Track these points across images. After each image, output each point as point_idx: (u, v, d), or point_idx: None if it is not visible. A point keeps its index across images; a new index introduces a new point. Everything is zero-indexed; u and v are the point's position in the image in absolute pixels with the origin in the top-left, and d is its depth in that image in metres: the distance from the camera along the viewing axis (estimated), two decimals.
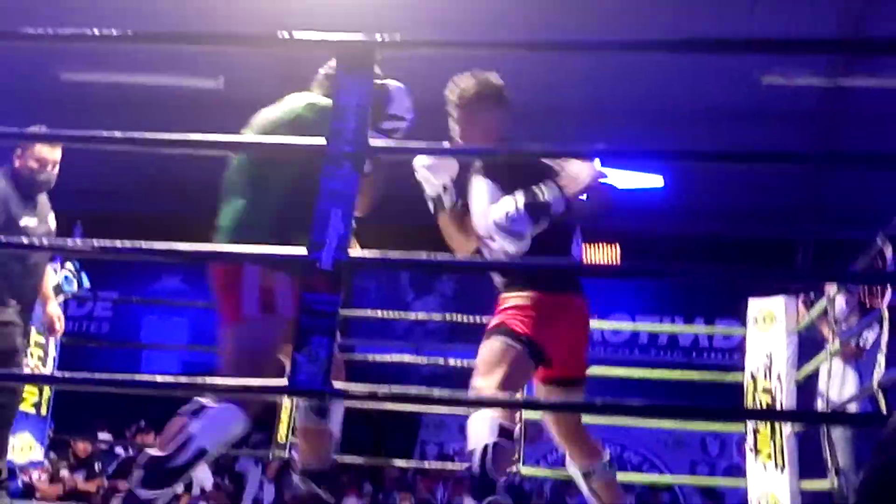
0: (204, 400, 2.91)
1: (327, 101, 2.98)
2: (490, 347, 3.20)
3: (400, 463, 7.43)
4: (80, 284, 5.72)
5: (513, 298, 3.25)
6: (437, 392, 2.52)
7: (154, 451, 2.82)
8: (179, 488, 3.08)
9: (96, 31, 2.50)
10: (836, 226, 8.74)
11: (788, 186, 8.28)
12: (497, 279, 3.37)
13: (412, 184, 3.50)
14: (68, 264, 5.67)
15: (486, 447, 3.10)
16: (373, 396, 2.51)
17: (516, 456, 5.83)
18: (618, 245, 9.47)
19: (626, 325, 9.40)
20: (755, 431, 5.28)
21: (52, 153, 4.52)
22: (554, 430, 3.46)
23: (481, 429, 3.14)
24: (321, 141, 2.60)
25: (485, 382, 3.13)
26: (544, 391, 3.40)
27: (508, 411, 3.16)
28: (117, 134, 2.70)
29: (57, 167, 4.55)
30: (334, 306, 2.50)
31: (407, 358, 7.36)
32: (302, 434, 3.23)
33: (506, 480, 3.16)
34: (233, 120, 3.21)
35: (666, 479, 9.01)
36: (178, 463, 2.80)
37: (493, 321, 3.27)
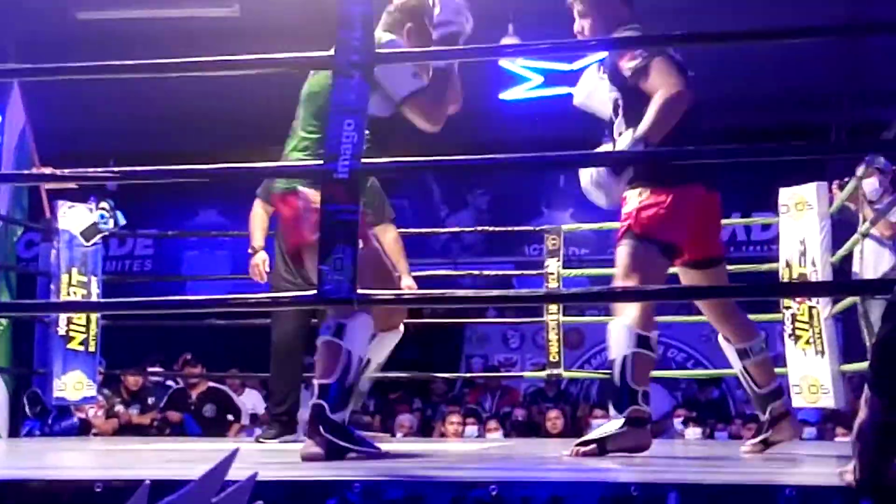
0: (332, 320, 2.99)
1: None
2: (624, 253, 3.25)
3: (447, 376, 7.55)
4: (115, 222, 5.78)
5: (634, 198, 3.28)
6: (461, 293, 2.56)
7: (324, 381, 2.90)
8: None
9: None
10: (869, 108, 8.63)
11: (817, 69, 8.13)
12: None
13: None
14: (103, 203, 5.74)
15: (625, 358, 3.18)
16: (399, 300, 2.56)
17: (557, 359, 5.89)
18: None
19: None
20: (793, 318, 5.28)
21: None
22: (706, 310, 3.53)
23: (619, 339, 3.21)
24: (329, 52, 2.61)
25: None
26: (685, 275, 3.47)
27: (645, 319, 3.21)
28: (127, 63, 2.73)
29: None
30: (354, 214, 2.54)
31: (445, 273, 7.41)
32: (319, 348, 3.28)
33: (645, 390, 3.20)
34: (249, 48, 3.19)
35: (711, 373, 9.03)
36: (351, 379, 2.90)
37: (622, 225, 3.31)
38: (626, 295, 2.60)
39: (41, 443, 4.90)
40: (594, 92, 3.47)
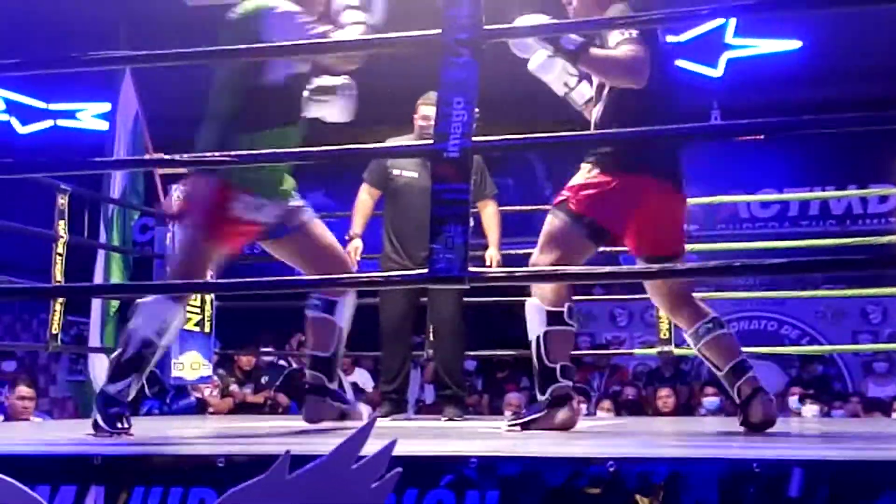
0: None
1: None
2: (550, 225, 3.23)
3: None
4: None
5: (582, 173, 3.23)
6: (571, 268, 2.54)
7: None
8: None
9: None
10: None
11: None
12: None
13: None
14: None
15: (537, 338, 3.20)
16: (510, 277, 2.55)
17: (668, 337, 5.80)
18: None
19: (774, 197, 9.16)
20: None
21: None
22: (658, 300, 3.47)
23: (532, 320, 3.23)
24: (436, 31, 2.61)
25: (539, 259, 3.16)
26: (640, 264, 3.38)
27: (555, 295, 3.18)
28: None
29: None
30: (465, 194, 2.53)
31: None
32: (309, 326, 3.46)
33: (564, 364, 3.22)
34: None
35: (826, 348, 8.82)
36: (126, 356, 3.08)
37: (561, 195, 3.27)
38: (745, 269, 2.54)
39: (161, 421, 5.04)
40: (549, 65, 3.39)
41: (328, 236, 3.43)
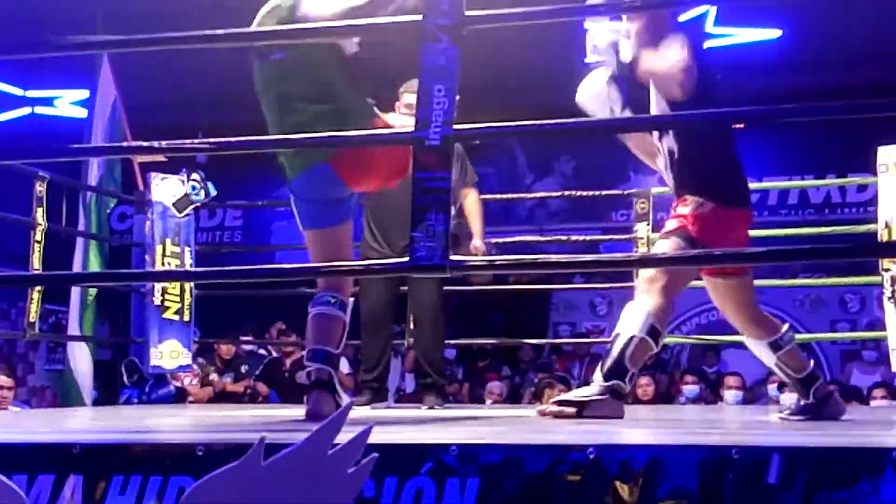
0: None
1: None
2: (670, 248, 3.35)
3: (535, 343, 7.53)
4: (207, 193, 5.87)
5: (694, 203, 3.39)
6: (552, 257, 2.54)
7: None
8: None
9: None
10: None
11: None
12: (670, 182, 3.53)
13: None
14: (194, 174, 5.83)
15: (631, 338, 3.24)
16: (491, 266, 2.55)
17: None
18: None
19: (753, 186, 9.16)
20: (893, 280, 5.15)
21: None
22: (732, 314, 3.63)
23: (634, 319, 3.28)
24: (416, 17, 2.60)
25: (650, 285, 3.30)
26: (711, 285, 3.55)
27: (665, 313, 3.32)
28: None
29: None
30: (446, 182, 2.52)
31: (531, 239, 7.38)
32: (322, 321, 3.40)
33: (634, 373, 3.30)
34: None
35: (804, 337, 8.85)
36: None
37: (676, 223, 3.40)
38: (724, 258, 2.55)
39: (140, 409, 5.02)
40: (598, 95, 3.52)
41: None
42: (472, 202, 5.11)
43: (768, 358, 3.58)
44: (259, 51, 3.34)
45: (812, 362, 3.63)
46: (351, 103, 3.24)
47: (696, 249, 3.29)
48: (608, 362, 3.27)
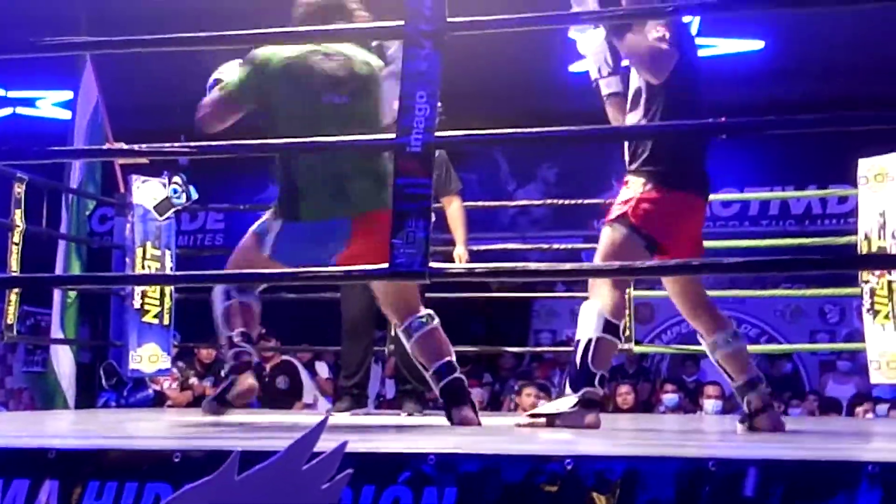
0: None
1: None
2: (610, 237, 3.31)
3: (516, 350, 7.53)
4: (188, 196, 5.85)
5: (637, 186, 3.32)
6: (533, 265, 2.54)
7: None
8: None
9: None
10: None
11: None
12: (626, 154, 3.44)
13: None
14: (176, 177, 5.80)
15: (589, 342, 3.22)
16: (471, 273, 2.54)
17: (628, 335, 5.83)
18: (723, 119, 9.21)
19: (734, 196, 9.21)
20: (872, 293, 5.17)
21: None
22: (679, 303, 3.51)
23: (589, 321, 3.25)
24: (399, 22, 2.60)
25: (599, 282, 3.26)
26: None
27: (617, 307, 3.27)
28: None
29: None
30: (427, 188, 2.52)
31: (513, 247, 7.38)
32: (244, 311, 3.53)
33: (603, 374, 3.27)
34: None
35: (784, 348, 8.90)
36: None
37: (618, 208, 3.34)
38: (703, 267, 2.55)
39: (118, 413, 4.99)
40: (596, 53, 3.55)
41: None
42: (455, 210, 5.12)
43: (710, 356, 3.49)
44: (315, 89, 3.35)
45: (756, 372, 3.48)
46: (388, 165, 3.29)
47: (639, 238, 3.24)
48: (573, 372, 3.26)
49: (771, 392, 7.46)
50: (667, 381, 8.41)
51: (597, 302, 3.26)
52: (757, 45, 8.44)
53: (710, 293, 4.04)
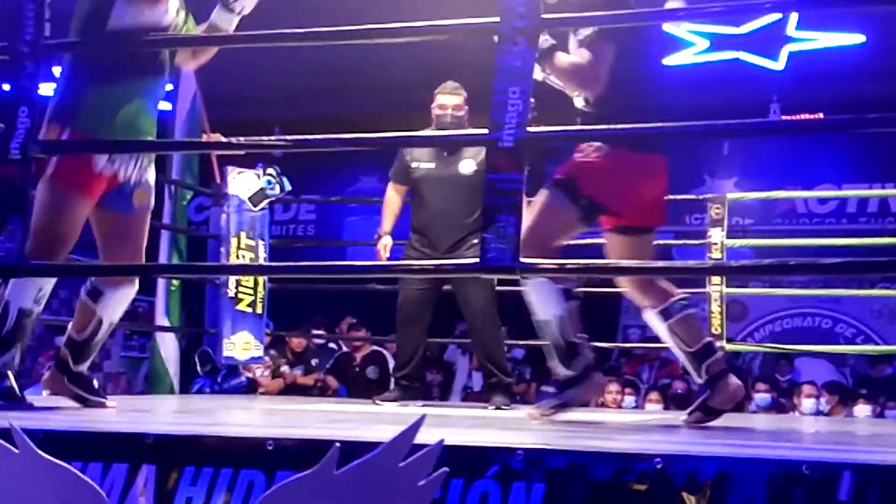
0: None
1: None
2: (545, 201, 3.23)
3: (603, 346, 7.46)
4: (282, 188, 5.93)
5: (586, 149, 3.22)
6: (624, 262, 2.52)
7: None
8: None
9: None
10: None
11: None
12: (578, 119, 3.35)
13: None
14: (270, 169, 5.89)
15: (555, 318, 3.21)
16: (561, 269, 2.54)
17: (720, 332, 5.75)
18: (821, 115, 9.04)
19: (832, 194, 9.01)
20: None
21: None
22: (625, 280, 3.44)
23: (544, 301, 3.21)
24: (494, 19, 2.60)
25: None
26: (608, 238, 3.40)
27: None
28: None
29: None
30: (518, 184, 2.52)
31: (603, 241, 7.32)
32: (78, 306, 3.58)
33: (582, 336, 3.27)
34: (409, 15, 3.21)
35: (884, 349, 8.67)
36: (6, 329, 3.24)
37: (563, 169, 3.26)
38: (800, 268, 2.51)
39: (212, 400, 5.10)
40: None
41: (146, 229, 3.52)
42: None
43: (660, 329, 3.36)
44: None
45: (711, 338, 3.37)
46: None
47: (576, 201, 3.16)
48: (556, 353, 3.25)
49: (869, 394, 7.30)
50: (759, 379, 8.28)
51: (538, 277, 3.16)
52: (858, 38, 8.24)
53: (804, 292, 4.02)
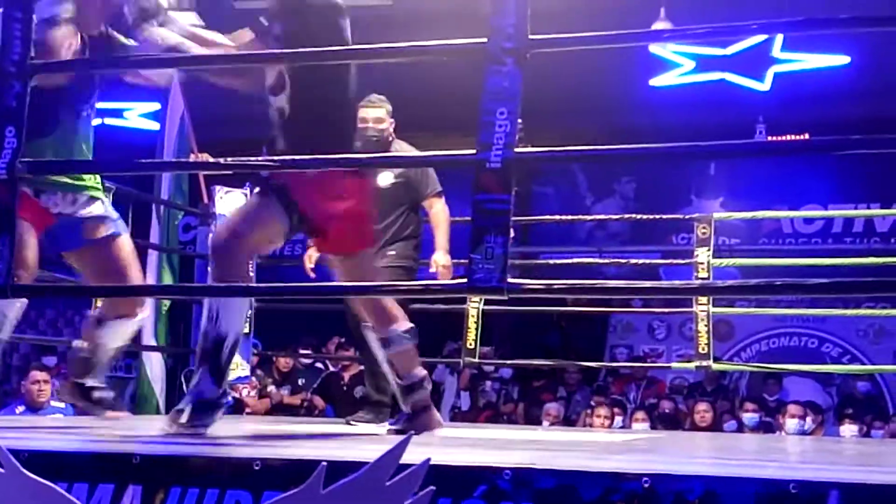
0: None
1: None
2: (257, 201, 3.24)
3: (591, 365, 7.49)
4: None
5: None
6: (611, 283, 2.53)
7: None
8: None
9: None
10: None
11: None
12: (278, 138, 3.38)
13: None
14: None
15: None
16: (549, 290, 2.54)
17: (707, 351, 5.76)
18: (807, 135, 9.10)
19: (818, 214, 9.07)
20: None
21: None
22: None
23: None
24: (481, 39, 2.61)
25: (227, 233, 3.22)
26: (330, 262, 3.44)
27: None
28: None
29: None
30: (506, 204, 2.53)
31: (589, 261, 7.35)
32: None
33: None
34: (402, 37, 3.22)
35: (868, 368, 8.70)
36: None
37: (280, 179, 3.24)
38: (787, 289, 2.53)
39: None
40: None
41: (126, 257, 3.52)
42: (438, 212, 4.88)
43: (380, 354, 3.42)
44: None
45: (424, 374, 3.44)
46: None
47: (286, 208, 3.16)
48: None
49: (854, 413, 7.28)
50: (747, 399, 8.29)
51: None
52: (843, 60, 8.30)
53: (790, 311, 4.01)
